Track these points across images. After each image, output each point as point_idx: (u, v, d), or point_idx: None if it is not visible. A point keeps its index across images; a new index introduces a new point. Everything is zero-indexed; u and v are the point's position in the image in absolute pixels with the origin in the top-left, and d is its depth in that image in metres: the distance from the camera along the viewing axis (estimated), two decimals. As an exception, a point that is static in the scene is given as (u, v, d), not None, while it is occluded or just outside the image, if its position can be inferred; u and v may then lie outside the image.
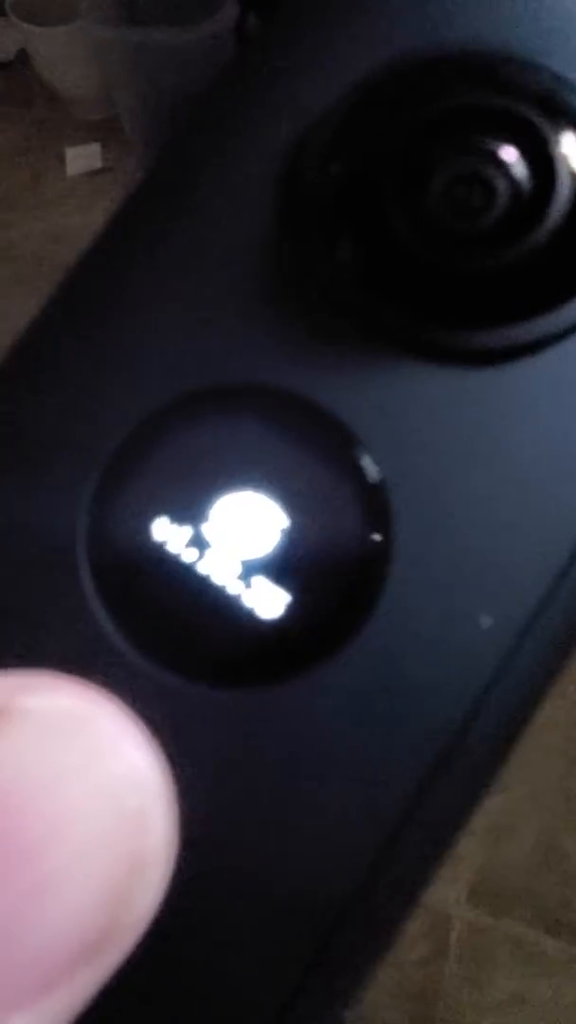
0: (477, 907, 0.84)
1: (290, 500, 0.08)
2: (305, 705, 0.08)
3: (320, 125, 0.08)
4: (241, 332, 0.09)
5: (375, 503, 0.08)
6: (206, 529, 0.08)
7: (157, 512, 0.08)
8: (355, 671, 0.08)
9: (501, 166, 0.08)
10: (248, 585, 0.08)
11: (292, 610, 0.08)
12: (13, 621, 0.08)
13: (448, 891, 0.84)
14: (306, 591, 0.08)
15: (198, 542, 0.08)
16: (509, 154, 0.08)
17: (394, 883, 0.08)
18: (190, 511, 0.08)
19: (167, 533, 0.08)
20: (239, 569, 0.08)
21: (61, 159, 1.26)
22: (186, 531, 0.08)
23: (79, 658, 0.07)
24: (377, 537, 0.08)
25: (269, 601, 0.08)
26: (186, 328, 0.09)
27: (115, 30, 1.07)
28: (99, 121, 1.27)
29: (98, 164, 1.23)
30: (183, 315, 0.09)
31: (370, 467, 0.08)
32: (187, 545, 0.08)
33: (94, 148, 1.25)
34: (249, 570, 0.08)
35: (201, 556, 0.08)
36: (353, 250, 0.09)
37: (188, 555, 0.08)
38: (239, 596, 0.08)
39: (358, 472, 0.08)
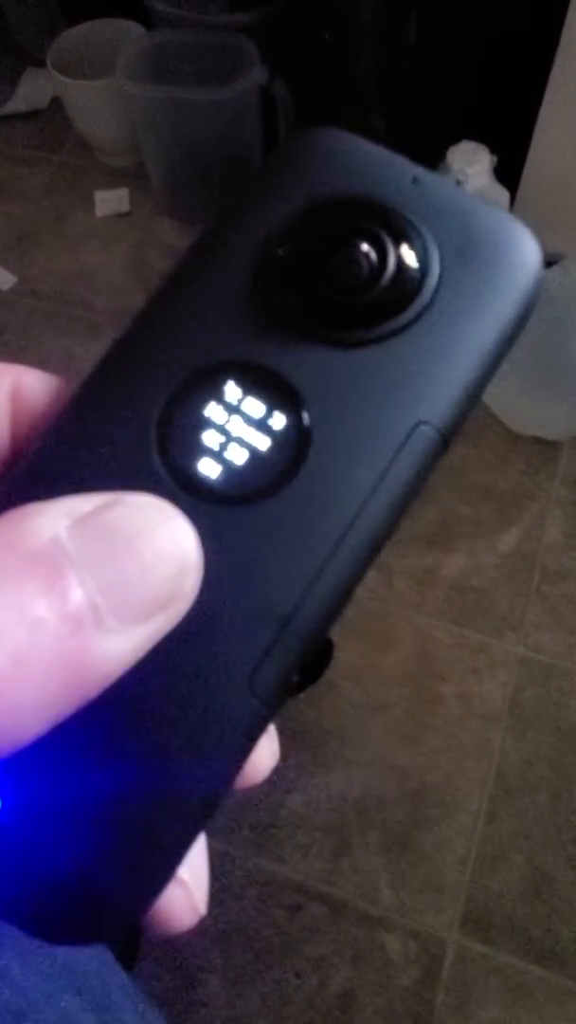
0: (468, 935, 0.85)
1: (264, 423, 0.15)
2: (256, 517, 0.15)
3: (279, 229, 0.16)
4: (237, 333, 0.16)
5: (304, 431, 0.15)
6: (214, 433, 0.15)
7: (193, 425, 0.15)
8: (288, 502, 0.15)
9: (365, 255, 0.16)
10: (240, 457, 0.15)
11: (258, 466, 0.15)
12: (107, 482, 0.14)
13: (440, 917, 0.85)
14: (267, 461, 0.15)
15: (206, 440, 0.15)
16: (368, 250, 0.16)
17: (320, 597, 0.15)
18: (209, 423, 0.15)
19: (200, 434, 0.15)
20: (241, 447, 0.15)
21: (85, 201, 1.28)
22: (208, 429, 0.15)
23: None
24: (303, 447, 0.15)
25: (249, 461, 0.15)
26: (208, 328, 0.16)
27: (147, 87, 1.09)
28: (123, 168, 1.31)
29: (126, 208, 1.26)
30: (207, 322, 0.16)
31: (304, 415, 0.15)
32: (205, 437, 0.15)
33: (123, 192, 1.27)
34: (243, 450, 0.15)
35: (212, 447, 0.15)
36: (295, 292, 0.16)
37: (210, 441, 0.15)
38: (235, 459, 0.15)
39: (299, 416, 0.15)
